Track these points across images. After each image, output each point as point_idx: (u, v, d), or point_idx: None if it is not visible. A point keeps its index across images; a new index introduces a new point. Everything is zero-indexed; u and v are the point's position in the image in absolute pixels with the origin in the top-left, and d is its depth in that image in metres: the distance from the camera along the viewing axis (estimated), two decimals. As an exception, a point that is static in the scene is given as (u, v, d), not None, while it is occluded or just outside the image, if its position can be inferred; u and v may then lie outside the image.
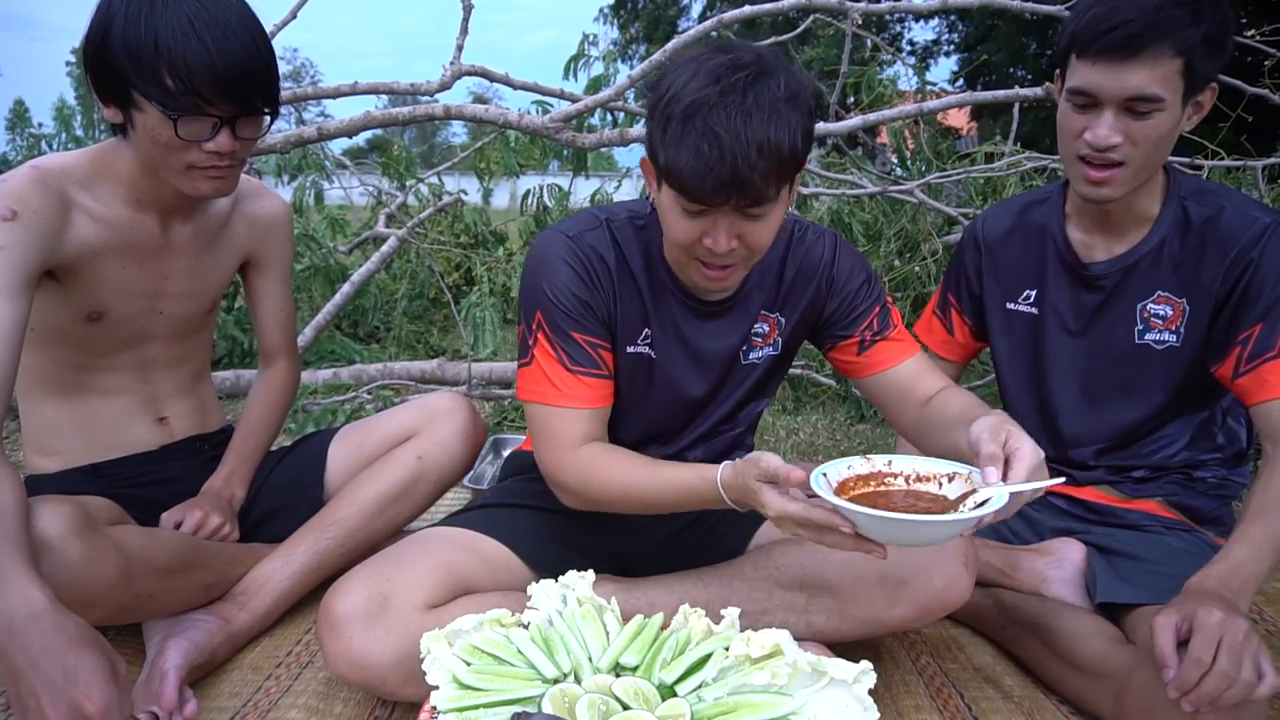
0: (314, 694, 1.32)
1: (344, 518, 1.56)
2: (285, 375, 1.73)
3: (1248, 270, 1.32)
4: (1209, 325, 1.38)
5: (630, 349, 1.38)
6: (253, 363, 3.51)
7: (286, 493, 1.66)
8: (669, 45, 2.46)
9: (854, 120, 2.39)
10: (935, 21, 18.54)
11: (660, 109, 1.15)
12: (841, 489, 1.12)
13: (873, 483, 1.15)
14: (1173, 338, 1.42)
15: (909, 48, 18.41)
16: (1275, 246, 1.30)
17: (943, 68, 19.48)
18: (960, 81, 15.74)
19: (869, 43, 3.50)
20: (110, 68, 1.23)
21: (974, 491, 1.05)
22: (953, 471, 1.11)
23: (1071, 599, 1.44)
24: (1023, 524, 1.58)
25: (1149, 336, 1.44)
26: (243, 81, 1.25)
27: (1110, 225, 1.44)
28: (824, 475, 1.13)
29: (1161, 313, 1.42)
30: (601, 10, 21.75)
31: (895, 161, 4.21)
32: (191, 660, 1.30)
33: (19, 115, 47.98)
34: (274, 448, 1.74)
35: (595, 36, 4.18)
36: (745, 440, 1.59)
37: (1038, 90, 2.38)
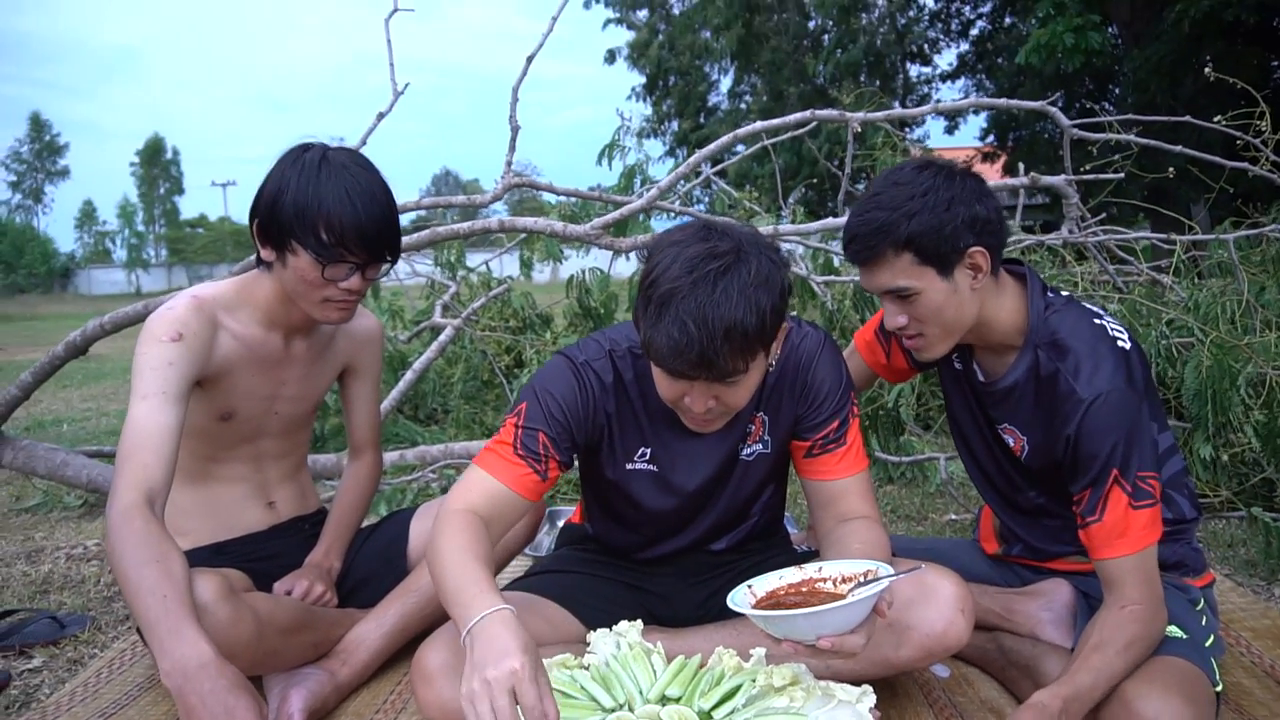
0: (410, 733, 1.56)
1: (425, 585, 1.77)
2: (372, 465, 2.00)
3: (1069, 443, 1.42)
4: (1056, 465, 1.48)
5: (629, 466, 1.57)
6: (324, 448, 3.82)
7: (375, 563, 1.91)
8: (693, 159, 2.77)
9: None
10: (962, 81, 18.93)
11: (644, 287, 1.31)
12: (773, 597, 1.29)
13: (804, 588, 1.30)
14: (1020, 457, 1.59)
15: (937, 117, 18.78)
16: (1088, 427, 1.39)
17: (972, 125, 19.76)
18: (991, 137, 16.02)
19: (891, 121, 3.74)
20: (278, 221, 1.55)
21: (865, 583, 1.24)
22: (866, 570, 1.28)
23: (1063, 639, 1.62)
24: (1012, 576, 1.77)
25: (1009, 444, 1.61)
26: (378, 239, 1.57)
27: (977, 353, 1.60)
28: (749, 587, 1.30)
29: (1009, 441, 1.60)
30: (634, 89, 22.56)
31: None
32: (309, 706, 1.55)
33: (87, 214, 50.70)
34: (362, 525, 2.01)
35: (629, 123, 4.44)
36: (773, 529, 1.76)
37: (1024, 179, 2.63)
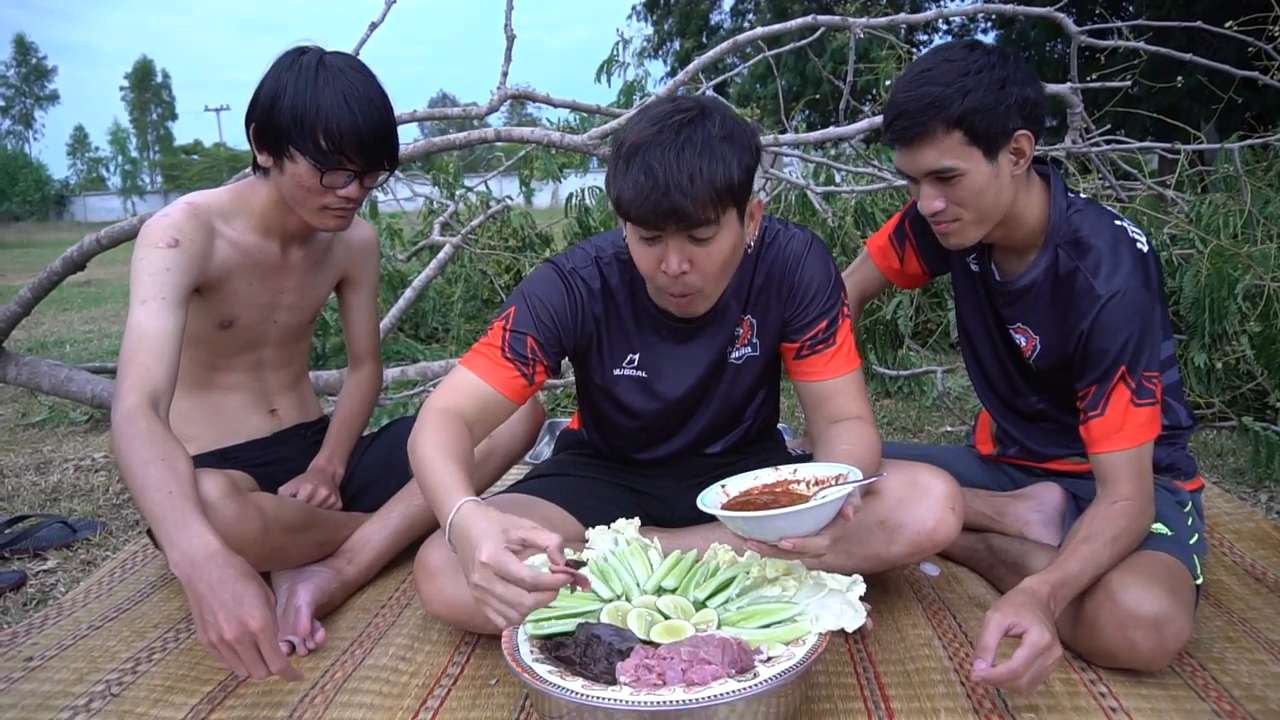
0: (414, 626, 1.61)
1: (429, 488, 1.84)
2: (371, 374, 2.02)
3: (1082, 338, 1.45)
4: (1066, 366, 1.52)
5: (617, 371, 1.58)
6: (326, 366, 3.84)
7: (378, 470, 1.95)
8: (690, 66, 2.71)
9: (860, 124, 2.61)
10: (970, -1, 18.38)
11: (613, 154, 1.35)
12: (746, 496, 1.30)
13: (778, 489, 1.31)
14: (1029, 357, 1.61)
15: (945, 26, 18.30)
16: (1103, 320, 1.41)
17: (980, 45, 19.28)
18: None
19: (900, 33, 3.66)
20: (275, 126, 1.53)
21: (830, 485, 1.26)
22: (839, 473, 1.29)
23: (1050, 539, 1.67)
24: (1006, 479, 1.81)
25: (1018, 344, 1.63)
26: (376, 145, 1.55)
27: (996, 252, 1.61)
28: (722, 487, 1.31)
29: (1020, 341, 1.62)
30: (634, 7, 21.93)
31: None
32: (317, 600, 1.60)
33: (79, 140, 49.95)
34: (364, 434, 2.03)
35: (628, 39, 4.36)
36: (768, 433, 1.78)
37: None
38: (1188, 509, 1.58)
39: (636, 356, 1.58)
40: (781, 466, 1.36)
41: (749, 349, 1.60)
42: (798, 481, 1.33)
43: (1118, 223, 1.50)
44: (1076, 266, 1.47)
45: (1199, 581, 1.46)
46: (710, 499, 1.28)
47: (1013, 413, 1.75)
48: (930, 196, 1.45)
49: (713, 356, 1.58)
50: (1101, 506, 1.41)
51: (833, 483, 1.29)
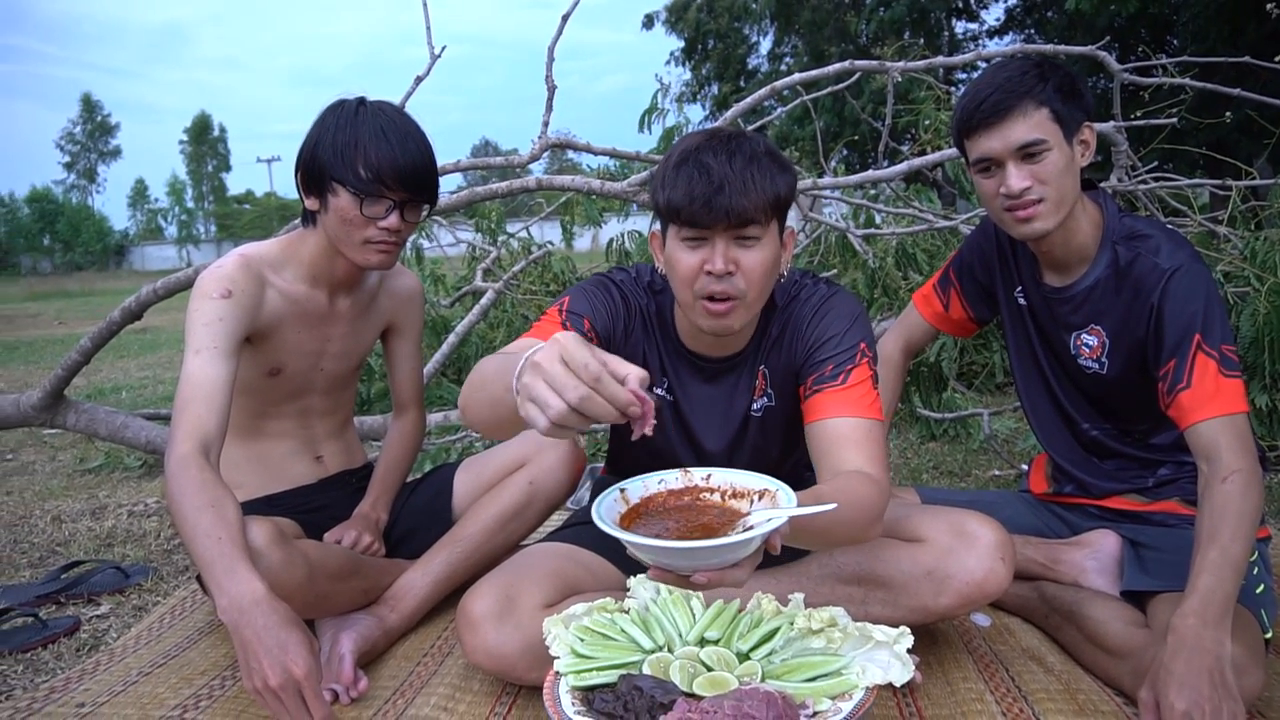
0: (456, 675, 1.60)
1: (470, 534, 1.84)
2: (415, 421, 2.05)
3: (1153, 314, 1.48)
4: (1138, 361, 1.54)
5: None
6: (370, 411, 3.90)
7: (421, 516, 1.96)
8: (727, 114, 2.74)
9: (900, 167, 2.61)
10: (1010, 36, 18.42)
11: (659, 172, 1.39)
12: (648, 503, 1.14)
13: (686, 497, 1.16)
14: (1097, 365, 1.61)
15: (983, 65, 18.30)
16: (1171, 292, 1.47)
17: (1020, 82, 19.26)
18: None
19: (939, 73, 3.68)
20: (318, 164, 1.61)
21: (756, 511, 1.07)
22: (763, 488, 1.11)
23: (1108, 587, 1.61)
24: (1059, 524, 1.76)
25: (1080, 362, 1.63)
26: (414, 174, 1.61)
27: (1056, 263, 1.63)
28: (621, 491, 1.11)
29: (1090, 342, 1.61)
30: (672, 54, 22.31)
31: (956, 191, 4.39)
32: (360, 648, 1.60)
33: (139, 193, 52.01)
34: (408, 480, 2.05)
35: (668, 86, 4.42)
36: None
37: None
38: (1253, 558, 1.52)
39: (667, 381, 1.60)
40: (692, 470, 1.19)
41: (765, 399, 1.59)
42: (711, 490, 1.15)
43: (1169, 226, 1.57)
44: (1138, 252, 1.53)
45: (1268, 636, 1.40)
46: (606, 509, 1.08)
47: (1070, 448, 1.73)
48: (1017, 176, 1.49)
49: (736, 405, 1.59)
50: (1214, 489, 1.34)
51: (754, 497, 1.11)
